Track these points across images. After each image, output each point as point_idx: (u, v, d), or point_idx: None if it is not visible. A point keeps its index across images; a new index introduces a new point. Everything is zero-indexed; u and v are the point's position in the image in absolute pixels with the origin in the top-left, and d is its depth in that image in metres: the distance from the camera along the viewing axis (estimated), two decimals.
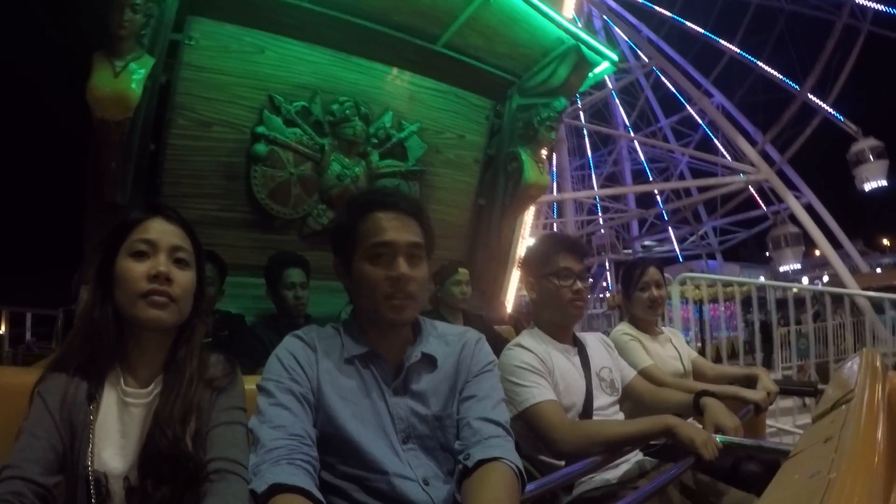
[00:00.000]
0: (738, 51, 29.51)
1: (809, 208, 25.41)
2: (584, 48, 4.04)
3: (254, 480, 1.14)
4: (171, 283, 1.27)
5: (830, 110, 27.05)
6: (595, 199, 32.66)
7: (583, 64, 4.11)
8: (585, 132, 32.06)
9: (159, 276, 1.26)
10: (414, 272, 1.38)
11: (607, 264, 35.19)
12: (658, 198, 34.60)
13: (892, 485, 0.97)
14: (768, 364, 5.36)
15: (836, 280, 19.71)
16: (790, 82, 28.45)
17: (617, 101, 34.96)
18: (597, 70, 4.35)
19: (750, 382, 2.53)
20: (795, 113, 28.22)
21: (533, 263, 2.12)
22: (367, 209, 1.41)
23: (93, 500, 1.17)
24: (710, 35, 29.65)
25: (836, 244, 22.46)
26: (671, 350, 2.91)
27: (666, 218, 37.10)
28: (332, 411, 1.31)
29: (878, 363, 1.58)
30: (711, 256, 39.79)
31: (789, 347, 6.68)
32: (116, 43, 2.78)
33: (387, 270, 1.36)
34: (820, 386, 2.77)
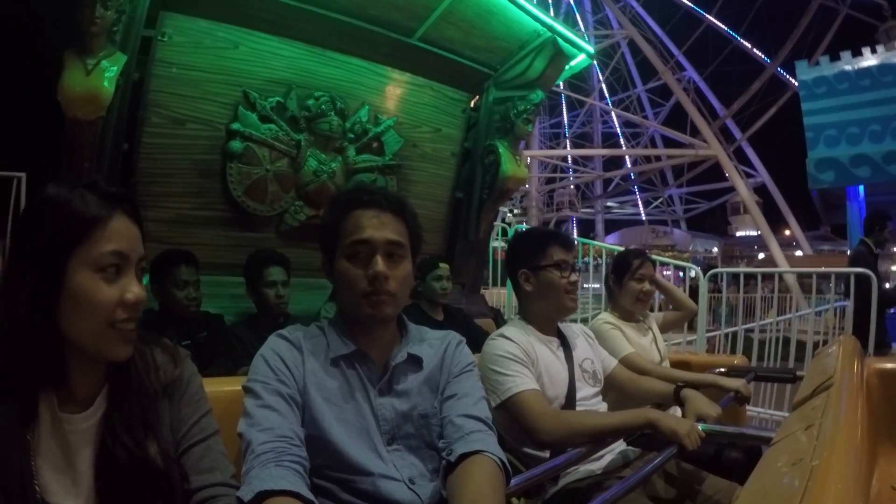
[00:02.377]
0: (716, 21, 30.12)
1: (765, 188, 26.18)
2: (560, 41, 4.06)
3: (242, 488, 1.11)
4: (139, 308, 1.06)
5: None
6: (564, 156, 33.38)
7: (559, 57, 4.13)
8: (562, 91, 32.51)
9: (137, 305, 1.04)
10: (393, 270, 1.36)
11: (573, 221, 36.02)
12: (627, 160, 35.37)
13: (872, 470, 0.99)
14: (691, 325, 5.67)
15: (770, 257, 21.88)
16: (763, 56, 29.12)
17: (594, 62, 35.73)
18: (573, 62, 4.38)
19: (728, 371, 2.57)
20: (765, 87, 28.89)
21: (526, 255, 2.12)
22: (348, 207, 1.40)
23: None
24: (690, 4, 30.18)
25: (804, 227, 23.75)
26: (651, 337, 2.94)
27: (632, 177, 38.02)
28: (317, 414, 1.30)
29: (856, 349, 1.61)
30: (677, 224, 40.75)
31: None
32: (88, 40, 2.73)
33: (364, 268, 1.35)
34: (799, 373, 2.81)
